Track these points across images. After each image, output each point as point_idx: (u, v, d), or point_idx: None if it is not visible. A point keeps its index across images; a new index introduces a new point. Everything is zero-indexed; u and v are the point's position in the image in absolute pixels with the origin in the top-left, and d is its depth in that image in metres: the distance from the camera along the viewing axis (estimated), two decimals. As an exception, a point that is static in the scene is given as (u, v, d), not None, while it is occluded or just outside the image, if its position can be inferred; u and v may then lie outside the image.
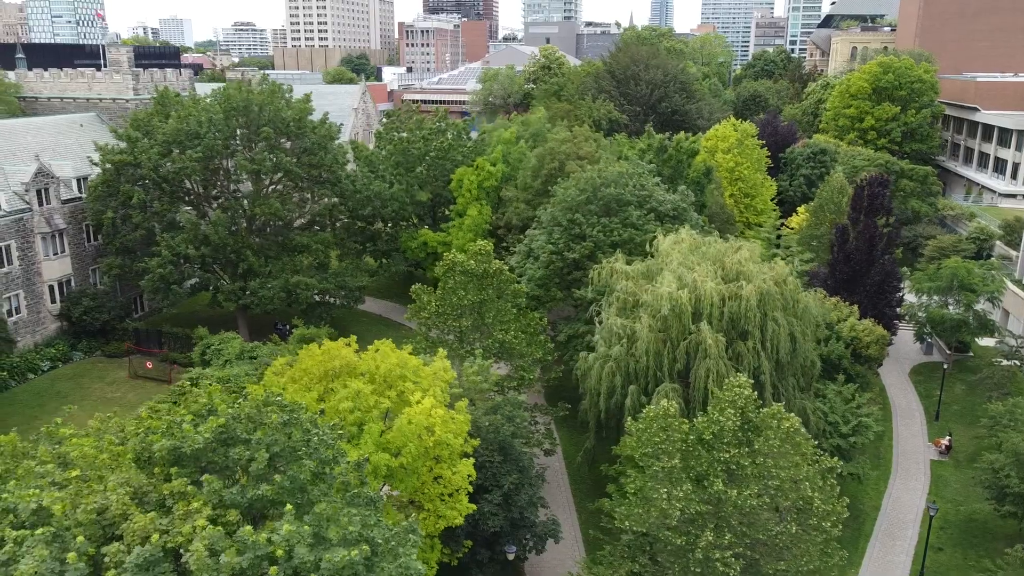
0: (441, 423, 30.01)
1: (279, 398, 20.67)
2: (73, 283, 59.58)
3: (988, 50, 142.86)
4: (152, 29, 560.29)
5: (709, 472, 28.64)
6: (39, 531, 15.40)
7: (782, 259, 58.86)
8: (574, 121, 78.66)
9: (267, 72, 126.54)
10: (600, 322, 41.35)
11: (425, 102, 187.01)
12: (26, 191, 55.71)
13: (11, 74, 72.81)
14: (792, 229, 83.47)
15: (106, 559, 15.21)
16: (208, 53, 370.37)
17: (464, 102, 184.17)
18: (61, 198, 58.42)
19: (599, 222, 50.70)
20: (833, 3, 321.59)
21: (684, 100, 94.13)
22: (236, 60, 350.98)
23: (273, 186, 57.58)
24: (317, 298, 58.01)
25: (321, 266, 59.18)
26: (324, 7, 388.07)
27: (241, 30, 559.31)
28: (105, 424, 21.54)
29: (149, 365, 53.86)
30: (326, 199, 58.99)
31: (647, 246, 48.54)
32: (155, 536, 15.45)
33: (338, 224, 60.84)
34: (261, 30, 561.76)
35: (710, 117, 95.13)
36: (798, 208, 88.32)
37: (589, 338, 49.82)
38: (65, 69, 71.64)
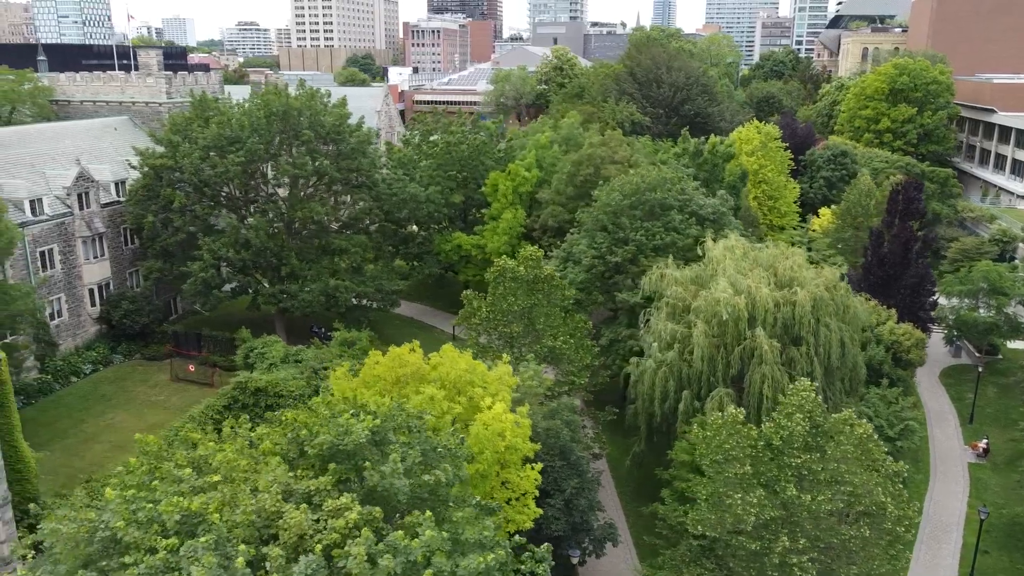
0: (511, 428, 30.39)
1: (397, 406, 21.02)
2: (111, 286, 59.94)
3: (1001, 51, 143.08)
4: (156, 29, 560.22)
5: (780, 477, 29.00)
6: (203, 539, 15.72)
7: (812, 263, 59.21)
8: (599, 124, 78.98)
9: (281, 73, 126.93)
10: (650, 327, 41.71)
11: (436, 103, 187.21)
12: (68, 195, 56.07)
13: (43, 77, 73.04)
14: (814, 231, 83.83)
15: (267, 564, 15.54)
16: (213, 53, 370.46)
17: (476, 103, 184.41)
18: (100, 202, 58.76)
19: (642, 226, 51.10)
20: (840, 3, 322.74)
21: (707, 103, 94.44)
22: (241, 60, 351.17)
23: (311, 189, 57.88)
24: (355, 301, 58.32)
25: (356, 269, 59.52)
26: (330, 7, 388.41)
27: (245, 30, 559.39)
28: (239, 428, 21.81)
29: (191, 368, 54.19)
30: (362, 202, 59.31)
31: (696, 250, 48.98)
32: (311, 537, 15.77)
33: (372, 227, 61.16)
34: (265, 30, 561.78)
35: (732, 119, 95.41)
36: (819, 210, 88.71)
37: (631, 342, 50.33)
38: (96, 72, 71.93)
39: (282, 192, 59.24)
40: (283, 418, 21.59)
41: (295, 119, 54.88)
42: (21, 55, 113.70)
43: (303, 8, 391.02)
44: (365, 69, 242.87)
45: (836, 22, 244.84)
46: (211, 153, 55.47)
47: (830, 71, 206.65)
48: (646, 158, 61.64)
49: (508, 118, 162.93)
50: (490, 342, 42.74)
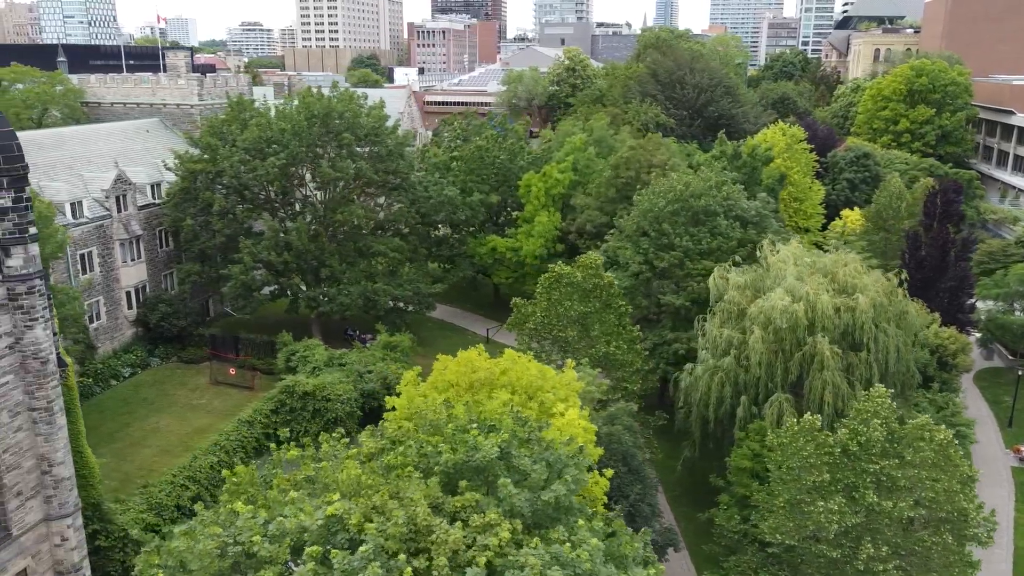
0: (583, 433, 30.24)
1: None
2: (147, 289, 59.78)
3: (1013, 52, 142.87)
4: (160, 30, 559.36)
5: (858, 484, 28.87)
6: (363, 548, 15.52)
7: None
8: (628, 126, 78.82)
9: (301, 74, 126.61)
10: (705, 332, 41.57)
11: (447, 103, 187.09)
12: (106, 198, 55.89)
13: (74, 78, 72.83)
14: (838, 233, 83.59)
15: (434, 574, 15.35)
16: (219, 53, 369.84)
17: (487, 104, 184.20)
18: (137, 204, 58.60)
19: (687, 231, 50.99)
20: (846, 4, 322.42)
21: (730, 104, 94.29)
22: (246, 60, 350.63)
23: (349, 192, 57.73)
24: (391, 304, 58.17)
25: (391, 272, 59.36)
26: (335, 7, 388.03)
27: (249, 30, 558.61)
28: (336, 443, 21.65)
29: (232, 371, 53.99)
30: (399, 205, 59.14)
31: (738, 253, 48.91)
32: (463, 552, 15.62)
33: (408, 230, 61.00)
34: (268, 30, 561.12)
35: (756, 121, 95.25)
36: (842, 212, 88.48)
37: (676, 345, 50.22)
38: (127, 74, 71.75)
39: (317, 194, 59.09)
40: (385, 430, 21.37)
41: (335, 121, 54.71)
42: (40, 56, 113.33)
43: (308, 8, 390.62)
44: (371, 69, 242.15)
45: (845, 23, 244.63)
46: (250, 156, 55.31)
47: (839, 72, 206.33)
48: (682, 160, 61.40)
49: (519, 119, 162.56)
50: (542, 347, 42.57)
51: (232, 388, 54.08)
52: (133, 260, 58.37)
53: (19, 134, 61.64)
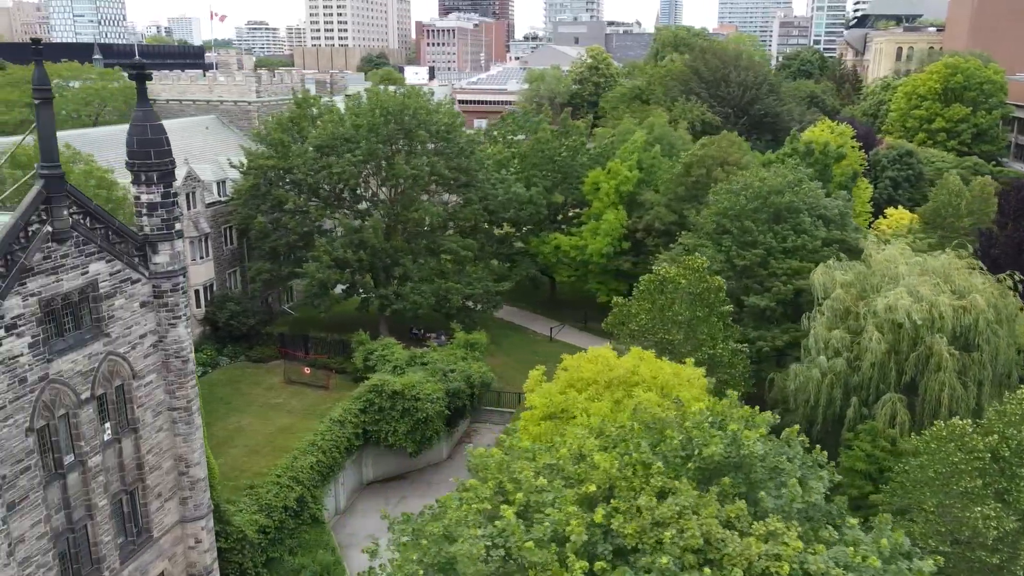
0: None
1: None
2: (215, 287, 59.20)
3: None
4: (165, 28, 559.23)
5: (1011, 488, 28.35)
6: (663, 559, 14.96)
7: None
8: (682, 123, 78.26)
9: (343, 72, 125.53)
10: (813, 332, 40.99)
11: (467, 102, 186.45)
12: (176, 195, 55.19)
13: (126, 75, 72.17)
14: (886, 232, 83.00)
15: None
16: (231, 52, 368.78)
17: (508, 102, 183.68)
18: (205, 202, 58.04)
19: (770, 229, 50.44)
20: (858, 3, 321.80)
21: (775, 102, 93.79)
22: (254, 59, 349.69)
23: (418, 190, 57.16)
24: (462, 303, 57.63)
25: (459, 271, 58.82)
26: (344, 6, 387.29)
27: (255, 28, 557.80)
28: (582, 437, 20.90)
29: (307, 371, 53.40)
30: (469, 203, 58.56)
31: (824, 251, 48.37)
32: (755, 563, 15.07)
33: (474, 227, 60.47)
34: (275, 28, 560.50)
35: (800, 119, 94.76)
36: (886, 211, 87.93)
37: (760, 344, 49.68)
38: (183, 71, 71.20)
39: (382, 192, 58.52)
40: (607, 429, 20.67)
41: (410, 118, 54.14)
42: (75, 53, 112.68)
43: (317, 7, 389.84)
44: (381, 68, 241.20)
45: (862, 22, 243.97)
46: (321, 153, 54.74)
47: (857, 70, 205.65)
48: (753, 159, 60.87)
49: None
50: (645, 348, 41.94)
51: (307, 387, 53.46)
52: (202, 258, 57.75)
53: (89, 131, 61.15)
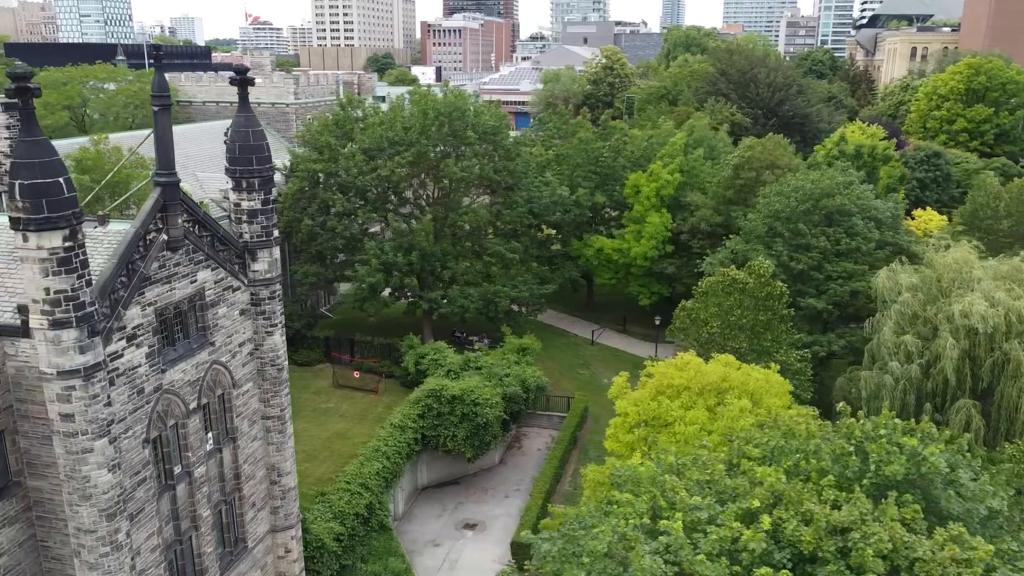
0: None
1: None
2: (259, 291, 58.84)
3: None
4: (169, 28, 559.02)
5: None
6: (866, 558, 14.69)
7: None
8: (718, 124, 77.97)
9: (370, 74, 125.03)
10: (881, 337, 40.73)
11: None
12: (224, 198, 54.96)
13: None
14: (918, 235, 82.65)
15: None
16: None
17: (522, 102, 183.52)
18: (250, 205, 57.70)
19: (823, 232, 50.21)
20: (865, 4, 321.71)
21: (804, 103, 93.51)
22: (272, 59, 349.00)
23: (464, 192, 56.92)
24: (509, 306, 57.37)
25: (504, 274, 58.52)
26: (350, 6, 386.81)
27: (258, 28, 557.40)
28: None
29: (357, 375, 53.11)
30: (516, 206, 58.26)
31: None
32: (953, 568, 14.80)
33: (520, 230, 60.20)
34: (278, 28, 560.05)
35: (829, 120, 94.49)
36: (913, 212, 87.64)
37: (815, 348, 49.43)
38: (220, 73, 70.90)
39: (426, 195, 58.24)
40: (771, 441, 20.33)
41: (458, 120, 53.87)
42: (97, 54, 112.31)
43: (323, 7, 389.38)
44: (387, 68, 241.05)
45: (873, 21, 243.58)
46: (369, 156, 54.47)
47: (867, 71, 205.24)
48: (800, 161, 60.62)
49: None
50: (708, 354, 41.72)
51: (356, 392, 53.18)
52: (247, 262, 57.41)
53: (137, 134, 60.78)
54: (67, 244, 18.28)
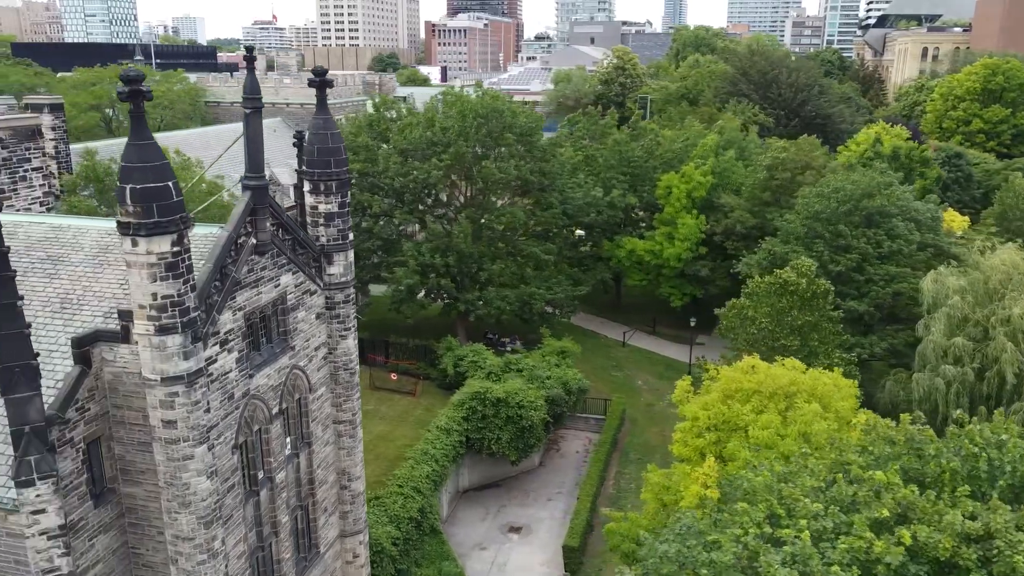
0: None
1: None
2: (292, 292, 58.66)
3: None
4: (172, 28, 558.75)
5: None
6: None
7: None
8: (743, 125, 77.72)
9: (390, 74, 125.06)
10: (930, 340, 40.53)
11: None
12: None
13: (192, 77, 71.70)
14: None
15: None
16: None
17: (535, 103, 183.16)
18: (284, 206, 57.50)
19: (864, 233, 50.02)
20: (871, 3, 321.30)
21: (826, 104, 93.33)
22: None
23: (499, 194, 56.73)
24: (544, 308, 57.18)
25: (538, 275, 58.34)
26: (355, 6, 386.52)
27: (262, 28, 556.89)
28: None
29: (394, 377, 52.93)
30: (551, 207, 58.06)
31: (919, 255, 47.80)
32: None
33: (552, 232, 60.02)
34: (281, 28, 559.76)
35: (852, 121, 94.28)
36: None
37: (858, 350, 49.21)
38: (234, 74, 70.59)
39: (462, 196, 58.07)
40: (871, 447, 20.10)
41: (496, 121, 53.68)
42: (105, 54, 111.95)
43: (328, 7, 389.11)
44: (393, 68, 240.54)
45: (882, 21, 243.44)
46: (404, 157, 54.28)
47: (875, 70, 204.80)
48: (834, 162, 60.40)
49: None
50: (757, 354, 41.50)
51: (394, 394, 52.98)
52: (281, 263, 57.21)
53: (171, 135, 60.58)
54: (175, 249, 18.07)
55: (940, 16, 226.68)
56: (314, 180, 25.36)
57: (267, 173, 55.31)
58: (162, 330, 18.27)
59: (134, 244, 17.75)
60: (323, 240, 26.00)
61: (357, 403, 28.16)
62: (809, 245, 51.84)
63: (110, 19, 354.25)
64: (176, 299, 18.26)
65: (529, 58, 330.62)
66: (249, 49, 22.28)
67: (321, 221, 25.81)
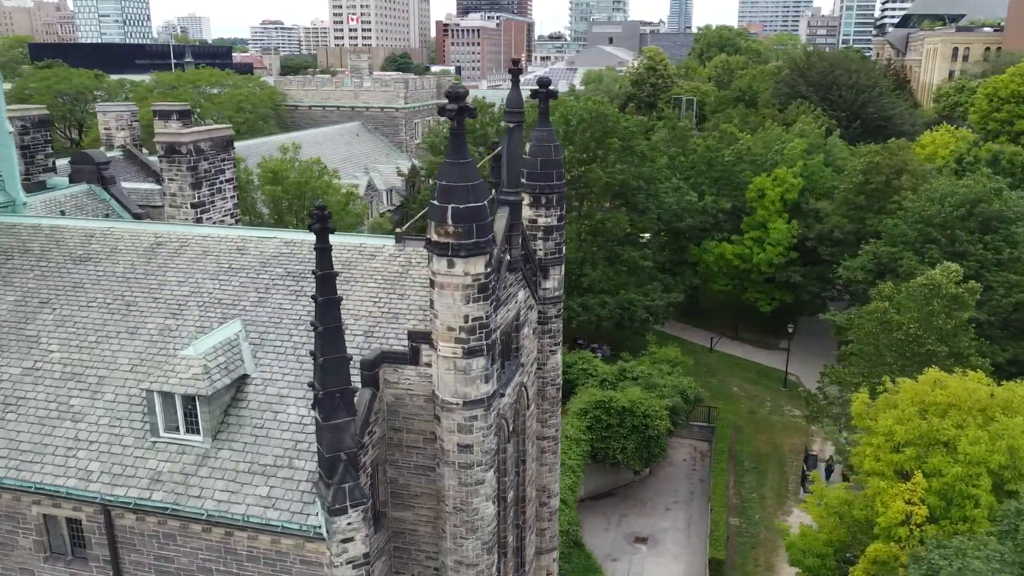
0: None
1: None
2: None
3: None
4: (181, 27, 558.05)
5: None
6: None
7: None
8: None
9: (450, 75, 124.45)
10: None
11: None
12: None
13: (269, 80, 71.03)
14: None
15: None
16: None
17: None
18: (379, 210, 57.10)
19: (981, 239, 49.47)
20: (886, 3, 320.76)
21: (889, 106, 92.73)
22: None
23: (601, 199, 56.23)
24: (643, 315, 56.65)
25: (635, 282, 57.81)
26: (368, 5, 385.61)
27: (270, 27, 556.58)
28: None
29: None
30: (648, 212, 57.55)
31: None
32: None
33: (649, 237, 59.55)
34: (290, 28, 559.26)
35: (914, 123, 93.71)
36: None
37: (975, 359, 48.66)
38: (322, 76, 70.11)
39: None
40: None
41: (599, 126, 53.16)
42: (123, 55, 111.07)
43: (341, 7, 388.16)
44: (405, 68, 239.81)
45: (905, 21, 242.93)
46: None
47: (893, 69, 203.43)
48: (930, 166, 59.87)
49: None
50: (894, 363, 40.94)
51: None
52: (378, 269, 56.73)
53: (262, 141, 60.00)
54: (488, 270, 17.54)
55: (963, 16, 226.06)
56: (535, 193, 24.74)
57: (367, 179, 55.15)
58: (470, 353, 17.74)
59: (450, 265, 17.21)
60: (540, 254, 25.42)
61: (559, 419, 27.61)
62: (920, 250, 51.30)
63: (124, 19, 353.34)
64: (484, 321, 17.74)
65: (543, 58, 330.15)
66: (515, 62, 21.67)
67: (540, 235, 25.21)
